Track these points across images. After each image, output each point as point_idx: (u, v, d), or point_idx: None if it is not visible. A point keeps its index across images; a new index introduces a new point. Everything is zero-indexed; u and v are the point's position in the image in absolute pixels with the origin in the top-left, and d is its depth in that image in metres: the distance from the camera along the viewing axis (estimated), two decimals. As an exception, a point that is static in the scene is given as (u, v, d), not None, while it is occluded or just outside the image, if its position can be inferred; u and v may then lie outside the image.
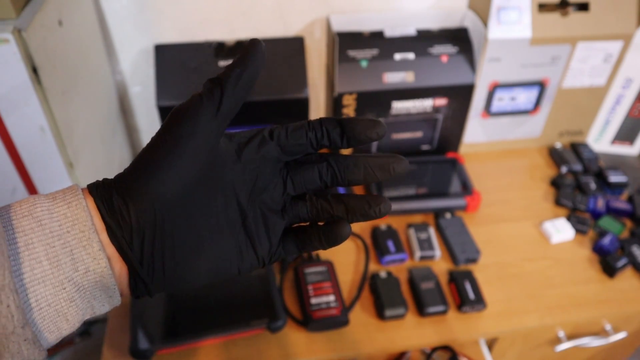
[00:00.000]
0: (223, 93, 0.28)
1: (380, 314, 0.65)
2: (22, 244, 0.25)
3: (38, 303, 0.25)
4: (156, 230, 0.27)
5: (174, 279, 0.29)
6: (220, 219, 0.29)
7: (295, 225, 0.33)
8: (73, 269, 0.26)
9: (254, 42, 0.29)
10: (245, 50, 0.29)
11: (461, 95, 0.83)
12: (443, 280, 0.70)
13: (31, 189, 0.60)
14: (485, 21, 0.79)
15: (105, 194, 0.27)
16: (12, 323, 0.24)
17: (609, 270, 0.72)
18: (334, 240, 0.31)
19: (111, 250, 0.27)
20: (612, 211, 0.80)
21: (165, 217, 0.27)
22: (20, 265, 0.25)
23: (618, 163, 0.93)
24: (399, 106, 0.82)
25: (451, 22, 0.85)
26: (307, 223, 0.33)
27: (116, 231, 0.27)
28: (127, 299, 0.66)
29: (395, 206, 0.78)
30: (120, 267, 0.28)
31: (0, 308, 0.23)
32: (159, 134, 0.28)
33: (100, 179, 0.29)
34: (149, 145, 0.28)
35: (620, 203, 0.81)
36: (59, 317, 0.26)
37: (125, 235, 0.27)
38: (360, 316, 0.66)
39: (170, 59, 0.77)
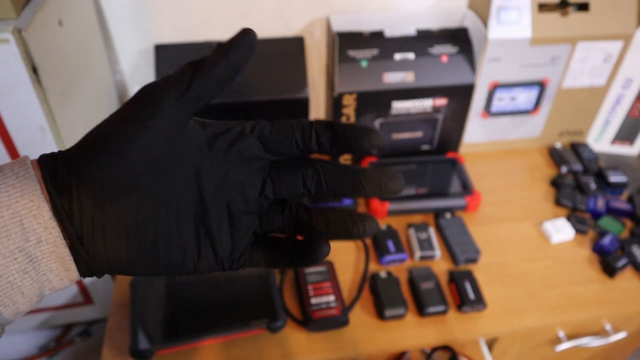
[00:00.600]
0: (194, 77, 0.26)
1: (380, 314, 0.65)
2: None
3: None
4: (96, 206, 0.26)
5: (119, 264, 0.27)
6: (177, 206, 0.27)
7: (270, 235, 0.30)
8: (24, 239, 0.25)
9: (243, 31, 0.27)
10: (232, 38, 0.27)
11: (461, 95, 0.83)
12: (443, 280, 0.70)
13: (31, 189, 0.60)
14: (485, 21, 0.79)
15: (51, 163, 0.26)
16: None
17: (609, 270, 0.72)
18: (308, 259, 0.29)
19: (56, 222, 0.26)
20: (612, 211, 0.80)
21: (109, 195, 0.26)
22: None
23: (618, 163, 0.93)
24: (399, 106, 0.82)
25: (451, 22, 0.85)
26: (284, 235, 0.30)
27: (56, 200, 0.25)
28: (121, 291, 0.66)
29: (395, 206, 0.78)
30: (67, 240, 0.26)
31: None
32: (119, 109, 0.27)
33: None
34: (106, 119, 0.27)
35: (620, 203, 0.81)
36: (12, 290, 0.25)
37: (65, 205, 0.26)
38: (360, 316, 0.66)
39: (170, 59, 0.77)
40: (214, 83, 0.27)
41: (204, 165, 0.28)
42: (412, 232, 0.75)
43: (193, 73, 0.26)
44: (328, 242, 0.29)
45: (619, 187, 0.84)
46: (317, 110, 0.94)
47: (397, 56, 0.80)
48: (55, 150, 0.58)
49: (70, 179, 0.26)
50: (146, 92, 0.26)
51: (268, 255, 0.30)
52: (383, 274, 0.69)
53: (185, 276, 0.29)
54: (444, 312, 0.66)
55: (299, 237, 0.30)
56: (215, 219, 0.28)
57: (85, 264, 0.27)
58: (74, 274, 0.27)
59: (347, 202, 0.79)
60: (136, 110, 0.26)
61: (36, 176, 0.26)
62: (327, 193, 0.29)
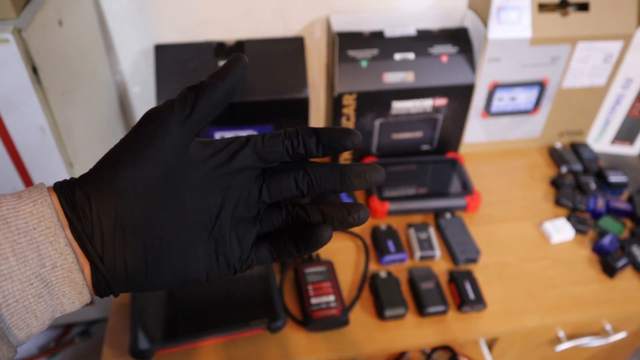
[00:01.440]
0: (196, 101, 0.29)
1: (380, 314, 0.65)
2: None
3: (5, 299, 0.25)
4: (117, 227, 0.27)
5: (138, 280, 0.29)
6: (188, 222, 0.29)
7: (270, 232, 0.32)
8: (40, 265, 0.26)
9: (236, 57, 0.30)
10: (227, 64, 0.30)
11: (461, 95, 0.83)
12: (443, 280, 0.70)
13: (31, 189, 0.60)
14: (485, 21, 0.79)
15: (69, 190, 0.28)
16: None
17: (609, 270, 0.72)
18: (314, 244, 0.31)
19: (76, 245, 0.27)
20: (612, 211, 0.80)
21: (127, 215, 0.28)
22: None
23: (618, 163, 0.93)
24: (399, 106, 0.82)
25: (451, 22, 0.85)
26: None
27: (77, 225, 0.27)
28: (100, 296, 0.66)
29: (395, 206, 0.78)
30: (83, 263, 0.28)
31: None
32: (128, 134, 0.29)
33: None
34: (116, 144, 0.29)
35: (620, 203, 0.81)
36: (27, 314, 0.26)
37: (87, 229, 0.27)
38: (360, 316, 0.66)
39: (170, 59, 0.77)
40: (213, 105, 0.30)
41: (209, 180, 0.30)
42: (412, 232, 0.75)
43: (195, 97, 0.29)
44: (329, 227, 0.31)
45: (619, 187, 0.84)
46: (317, 110, 0.94)
47: (397, 56, 0.80)
48: (56, 150, 0.58)
49: (89, 203, 0.27)
50: (152, 116, 0.29)
51: (273, 250, 0.32)
52: (383, 274, 0.69)
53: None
54: (444, 312, 0.66)
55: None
56: (223, 228, 0.30)
57: (107, 283, 0.28)
58: (86, 297, 0.28)
59: (347, 201, 0.79)
60: (145, 134, 0.28)
61: (52, 203, 0.27)
62: (318, 191, 0.31)
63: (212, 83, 0.29)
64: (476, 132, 0.90)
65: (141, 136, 0.28)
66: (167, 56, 0.77)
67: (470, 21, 0.83)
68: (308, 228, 0.31)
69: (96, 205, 0.27)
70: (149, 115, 0.29)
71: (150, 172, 0.28)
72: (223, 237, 0.30)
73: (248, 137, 0.31)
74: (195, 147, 0.30)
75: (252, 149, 0.30)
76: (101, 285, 0.28)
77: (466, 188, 0.82)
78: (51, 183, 0.29)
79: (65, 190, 0.28)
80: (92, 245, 0.27)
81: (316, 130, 0.31)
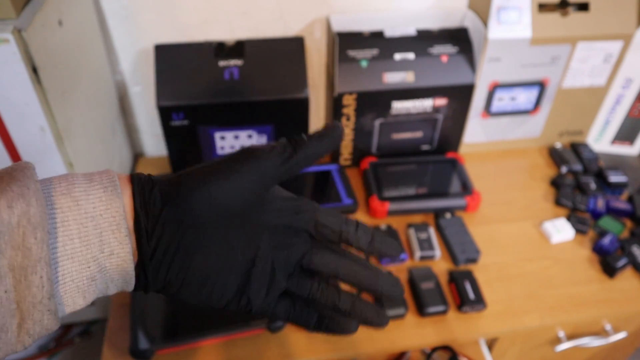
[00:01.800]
0: (296, 150, 0.31)
1: (380, 314, 0.65)
2: (59, 221, 0.27)
3: (64, 278, 0.27)
4: (174, 236, 0.29)
5: (172, 288, 0.30)
6: (236, 255, 0.31)
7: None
8: (99, 250, 0.28)
9: (335, 126, 0.33)
10: (326, 130, 0.32)
11: (461, 95, 0.83)
12: (443, 280, 0.70)
13: (31, 189, 0.60)
14: (485, 21, 0.79)
15: (147, 186, 0.30)
16: (42, 293, 0.25)
17: (609, 270, 0.72)
18: (338, 330, 0.34)
19: (134, 238, 0.29)
20: (612, 211, 0.80)
21: (187, 230, 0.29)
22: (55, 240, 0.26)
23: (618, 163, 0.93)
24: (399, 106, 0.82)
25: (451, 22, 0.85)
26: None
27: (142, 220, 0.29)
28: (121, 291, 0.66)
29: (395, 206, 0.78)
30: (135, 256, 0.29)
31: (34, 278, 0.25)
32: (224, 157, 0.31)
33: None
34: (208, 162, 0.31)
35: (620, 203, 0.81)
36: (78, 293, 0.28)
37: (149, 227, 0.29)
38: (360, 316, 0.66)
39: (170, 59, 0.77)
40: (305, 160, 0.32)
41: (267, 226, 0.32)
42: (412, 232, 0.75)
43: (295, 147, 0.31)
44: (356, 323, 0.34)
45: (619, 187, 0.84)
46: (317, 110, 0.94)
47: (397, 56, 0.80)
48: (56, 150, 0.58)
49: (161, 207, 0.29)
50: (253, 151, 0.31)
51: (292, 314, 0.34)
52: (383, 274, 0.69)
53: None
54: (444, 312, 0.66)
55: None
56: (260, 274, 0.32)
57: (146, 280, 0.30)
58: (131, 287, 0.30)
59: (347, 201, 0.79)
60: (241, 163, 0.30)
61: (122, 193, 0.29)
62: (351, 283, 0.34)
63: (311, 140, 0.32)
64: (476, 132, 0.90)
65: (236, 164, 0.30)
66: (167, 56, 0.77)
67: (470, 21, 0.83)
68: (335, 312, 0.33)
69: (167, 212, 0.29)
70: (251, 149, 0.31)
71: (228, 201, 0.30)
72: (257, 280, 0.32)
73: (317, 210, 0.33)
74: (272, 192, 0.32)
75: (313, 216, 0.33)
76: (141, 281, 0.30)
77: (466, 188, 0.82)
78: None
79: (143, 185, 0.29)
80: (148, 244, 0.29)
81: (373, 233, 0.34)
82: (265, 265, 0.32)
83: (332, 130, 0.33)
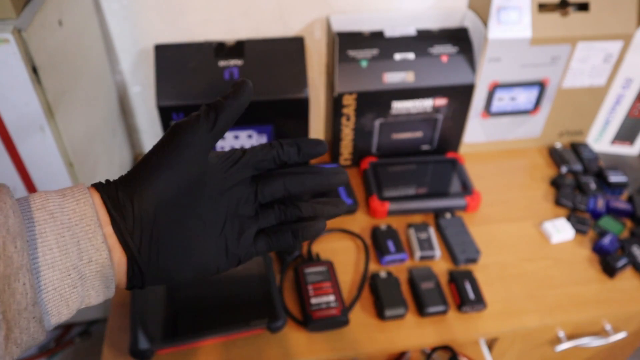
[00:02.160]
0: (217, 115, 0.33)
1: (380, 314, 0.65)
2: (37, 232, 0.28)
3: (46, 286, 0.28)
4: (154, 225, 0.31)
5: (166, 271, 0.32)
6: (205, 222, 0.33)
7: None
8: (78, 258, 0.29)
9: (244, 82, 0.35)
10: (237, 87, 0.34)
11: (461, 95, 0.83)
12: (443, 280, 0.70)
13: (31, 189, 0.60)
14: (485, 21, 0.79)
15: (111, 191, 0.31)
16: (26, 300, 0.26)
17: (609, 270, 0.72)
18: (312, 233, 0.36)
19: (112, 241, 0.31)
20: (612, 211, 0.80)
21: (162, 214, 0.31)
22: (35, 250, 0.28)
23: (618, 163, 0.93)
24: (399, 106, 0.82)
25: (451, 22, 0.85)
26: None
27: (120, 222, 0.31)
28: (121, 291, 0.66)
29: (395, 206, 0.78)
30: (119, 257, 0.31)
31: (17, 285, 0.26)
32: (159, 143, 0.33)
33: (100, 179, 0.32)
34: (150, 152, 0.33)
35: (620, 203, 0.81)
36: (61, 302, 0.29)
37: (128, 226, 0.31)
38: (360, 316, 0.66)
39: (170, 59, 0.77)
40: (230, 120, 0.34)
41: (221, 185, 0.34)
42: (412, 232, 0.75)
43: (216, 111, 0.33)
44: (323, 219, 0.37)
45: (619, 187, 0.84)
46: (317, 110, 0.94)
47: (397, 56, 0.80)
48: (56, 150, 0.58)
49: (131, 202, 0.31)
50: (182, 126, 0.33)
51: (270, 241, 0.36)
52: (383, 274, 0.69)
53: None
54: (444, 312, 0.66)
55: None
56: (231, 227, 0.35)
57: (142, 274, 0.32)
58: (112, 291, 0.32)
59: (347, 201, 0.79)
60: (176, 141, 0.32)
61: (93, 203, 0.30)
62: (302, 190, 0.37)
63: (228, 100, 0.34)
64: (476, 132, 0.90)
65: (175, 143, 0.32)
66: (167, 56, 0.77)
67: (470, 21, 0.83)
68: (304, 221, 0.37)
69: (138, 205, 0.31)
70: (179, 126, 0.33)
71: (185, 175, 0.32)
72: (231, 235, 0.34)
73: (244, 149, 0.36)
74: (210, 156, 0.34)
75: (248, 158, 0.35)
76: (136, 276, 0.32)
77: (466, 188, 0.82)
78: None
79: (107, 191, 0.32)
80: (132, 240, 0.31)
81: (296, 142, 0.36)
82: (234, 220, 0.35)
83: (243, 86, 0.34)
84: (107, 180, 0.33)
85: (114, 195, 0.31)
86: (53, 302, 0.28)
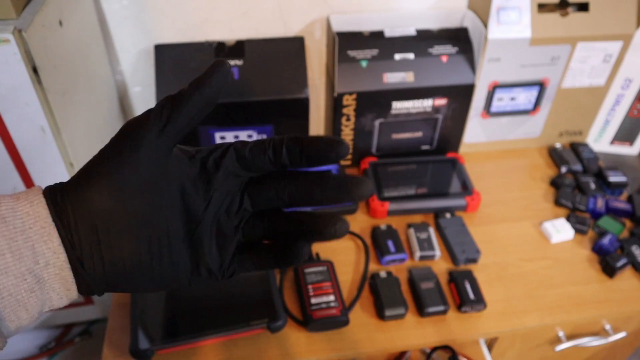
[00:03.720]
0: (172, 112, 0.29)
1: (380, 314, 0.65)
2: None
3: (1, 292, 0.27)
4: (93, 235, 0.28)
5: (115, 284, 0.30)
6: (167, 228, 0.30)
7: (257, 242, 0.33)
8: (34, 262, 0.27)
9: (217, 63, 0.29)
10: (207, 71, 0.29)
11: (461, 95, 0.83)
12: (443, 280, 0.70)
13: (31, 189, 0.60)
14: (485, 21, 0.79)
15: (54, 196, 0.29)
16: None
17: (609, 270, 0.72)
18: (290, 260, 0.31)
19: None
20: (611, 211, 0.81)
21: (102, 224, 0.28)
22: None
23: (618, 163, 0.94)
24: (399, 106, 0.82)
25: (451, 22, 0.85)
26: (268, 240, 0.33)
27: (61, 230, 0.28)
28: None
29: (395, 206, 0.78)
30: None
31: None
32: (106, 145, 0.30)
33: None
34: (95, 155, 0.30)
35: (620, 203, 0.81)
36: (19, 307, 0.28)
37: (68, 235, 0.28)
38: (360, 316, 0.66)
39: (170, 59, 0.77)
40: (191, 115, 0.29)
41: (190, 188, 0.30)
42: (412, 232, 0.75)
43: (171, 108, 0.29)
44: (308, 243, 0.31)
45: (618, 187, 0.84)
46: (317, 110, 0.94)
47: (397, 56, 0.80)
48: (56, 150, 0.58)
49: (67, 209, 0.28)
50: (129, 127, 0.29)
51: (256, 261, 0.32)
52: (383, 274, 0.69)
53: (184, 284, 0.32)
54: (443, 312, 0.66)
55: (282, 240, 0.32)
56: (204, 236, 0.31)
57: (87, 284, 0.29)
58: (74, 293, 0.30)
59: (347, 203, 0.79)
60: (120, 145, 0.29)
61: (48, 205, 0.28)
62: (300, 202, 0.31)
63: (189, 92, 0.29)
64: (476, 132, 0.91)
65: (116, 149, 0.29)
66: (167, 56, 0.77)
67: (470, 21, 0.83)
68: (286, 243, 0.31)
69: (74, 217, 0.28)
70: (126, 128, 0.29)
71: (125, 185, 0.28)
72: (202, 245, 0.31)
73: (231, 144, 0.31)
74: (177, 156, 0.30)
75: (234, 157, 0.30)
76: (82, 286, 0.29)
77: (466, 188, 0.82)
78: (51, 183, 0.30)
79: (52, 196, 0.29)
80: (73, 249, 0.28)
81: (301, 140, 0.30)
82: (205, 227, 0.31)
83: (215, 68, 0.29)
84: (59, 183, 0.30)
85: (55, 200, 0.29)
86: (10, 307, 0.27)
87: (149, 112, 0.29)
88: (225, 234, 0.31)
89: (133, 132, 0.29)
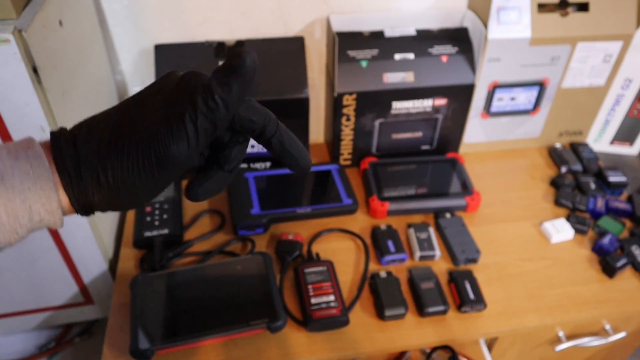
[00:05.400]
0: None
1: (380, 314, 0.65)
2: None
3: None
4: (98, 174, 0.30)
5: (118, 194, 0.31)
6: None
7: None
8: (29, 219, 0.29)
9: (242, 54, 0.31)
10: (234, 60, 0.30)
11: (461, 95, 0.83)
12: (443, 280, 0.70)
13: (31, 189, 0.60)
14: (485, 21, 0.79)
15: (66, 149, 0.31)
16: None
17: (609, 270, 0.72)
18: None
19: (66, 200, 0.30)
20: (611, 211, 0.81)
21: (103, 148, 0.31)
22: None
23: (617, 163, 0.94)
24: (399, 106, 0.82)
25: (451, 22, 0.85)
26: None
27: (68, 182, 0.30)
28: (121, 291, 0.66)
29: (395, 206, 0.78)
30: (66, 201, 0.31)
31: None
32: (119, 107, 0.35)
33: None
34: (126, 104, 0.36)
35: (620, 203, 0.81)
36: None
37: (75, 189, 0.30)
38: (360, 316, 0.66)
39: (170, 59, 0.77)
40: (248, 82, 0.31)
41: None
42: (412, 232, 0.75)
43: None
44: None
45: (618, 187, 0.84)
46: (317, 110, 0.94)
47: (397, 56, 0.80)
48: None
49: (79, 164, 0.30)
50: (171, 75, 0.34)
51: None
52: (383, 274, 0.69)
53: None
54: (443, 312, 0.66)
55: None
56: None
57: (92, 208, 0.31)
58: (59, 224, 0.32)
59: (347, 201, 0.79)
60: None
61: (48, 163, 0.29)
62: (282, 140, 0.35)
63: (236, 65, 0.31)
64: (476, 132, 0.91)
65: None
66: (167, 56, 0.77)
67: (470, 21, 0.83)
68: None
69: (86, 174, 0.30)
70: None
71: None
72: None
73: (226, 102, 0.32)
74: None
75: (225, 112, 0.32)
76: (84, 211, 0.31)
77: (466, 188, 0.82)
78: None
79: (61, 148, 0.31)
80: (82, 195, 0.31)
81: (287, 143, 0.36)
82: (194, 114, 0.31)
83: (240, 57, 0.30)
84: (63, 132, 0.31)
85: (70, 159, 0.30)
86: None
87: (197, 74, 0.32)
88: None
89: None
